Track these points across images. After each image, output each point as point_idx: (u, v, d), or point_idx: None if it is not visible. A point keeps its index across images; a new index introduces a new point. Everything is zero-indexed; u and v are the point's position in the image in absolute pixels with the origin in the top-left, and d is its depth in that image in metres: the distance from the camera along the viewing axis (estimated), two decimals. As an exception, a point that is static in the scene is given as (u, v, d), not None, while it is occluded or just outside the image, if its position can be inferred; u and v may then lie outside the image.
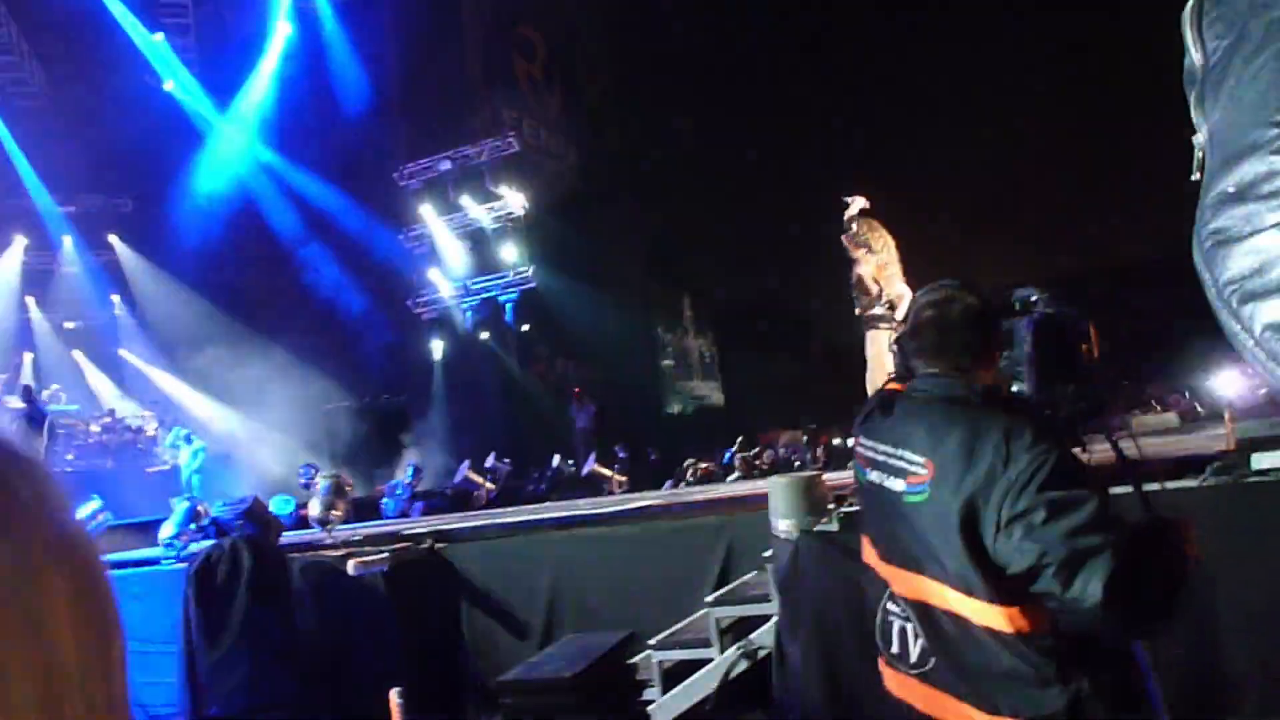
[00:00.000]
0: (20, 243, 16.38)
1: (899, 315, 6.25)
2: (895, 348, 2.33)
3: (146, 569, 7.27)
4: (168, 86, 17.35)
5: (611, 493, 11.35)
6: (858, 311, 6.37)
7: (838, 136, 18.43)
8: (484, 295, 19.62)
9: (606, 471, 11.73)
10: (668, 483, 13.39)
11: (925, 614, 2.06)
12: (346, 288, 18.70)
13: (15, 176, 15.76)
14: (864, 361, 6.28)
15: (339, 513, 7.44)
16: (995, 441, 1.93)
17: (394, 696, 5.06)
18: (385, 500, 12.47)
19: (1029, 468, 1.90)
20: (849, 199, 6.55)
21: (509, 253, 19.43)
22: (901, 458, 2.09)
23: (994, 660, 1.93)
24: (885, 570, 2.17)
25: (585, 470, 11.90)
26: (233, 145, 17.99)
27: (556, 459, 16.01)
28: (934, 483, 2.00)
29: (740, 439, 13.85)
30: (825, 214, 7.15)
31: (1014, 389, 2.29)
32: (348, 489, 7.70)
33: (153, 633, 6.66)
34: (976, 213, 18.67)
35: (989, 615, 1.95)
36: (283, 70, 18.25)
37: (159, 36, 17.26)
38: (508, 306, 19.39)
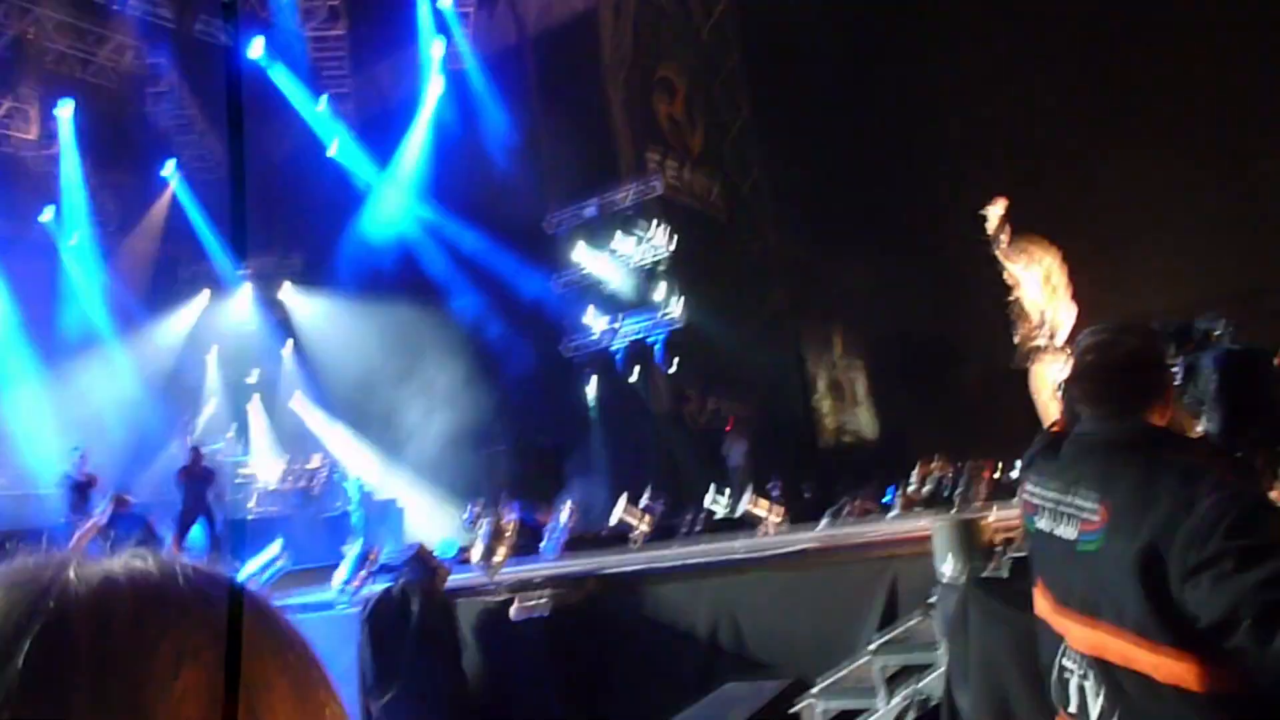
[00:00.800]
0: (203, 298, 17.57)
1: (1059, 342, 5.98)
2: (1060, 392, 2.25)
3: (322, 613, 7.66)
4: (331, 151, 18.50)
5: (767, 532, 11.20)
6: (1016, 340, 6.12)
7: (990, 158, 17.87)
8: (633, 336, 19.85)
9: (761, 511, 11.59)
10: (824, 518, 13.14)
11: (1105, 670, 1.95)
12: (501, 333, 19.30)
13: (199, 244, 17.07)
14: (1022, 390, 6.01)
15: (499, 557, 7.66)
16: (1174, 485, 1.82)
17: (556, 741, 5.18)
18: (544, 543, 12.69)
19: (1214, 511, 1.78)
20: (987, 209, 6.28)
21: (656, 292, 19.64)
22: (1072, 504, 2.00)
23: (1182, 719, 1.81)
24: (1060, 623, 2.07)
25: (740, 510, 11.80)
26: (392, 201, 18.98)
27: (710, 497, 15.97)
28: (1109, 529, 1.90)
29: (908, 476, 13.47)
30: (978, 236, 6.93)
31: (1200, 428, 2.17)
32: (508, 531, 7.90)
33: (330, 673, 7.01)
34: (1144, 224, 17.70)
35: (1176, 672, 1.83)
36: (436, 127, 19.18)
37: (322, 103, 18.51)
38: (656, 346, 19.55)
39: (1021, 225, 6.37)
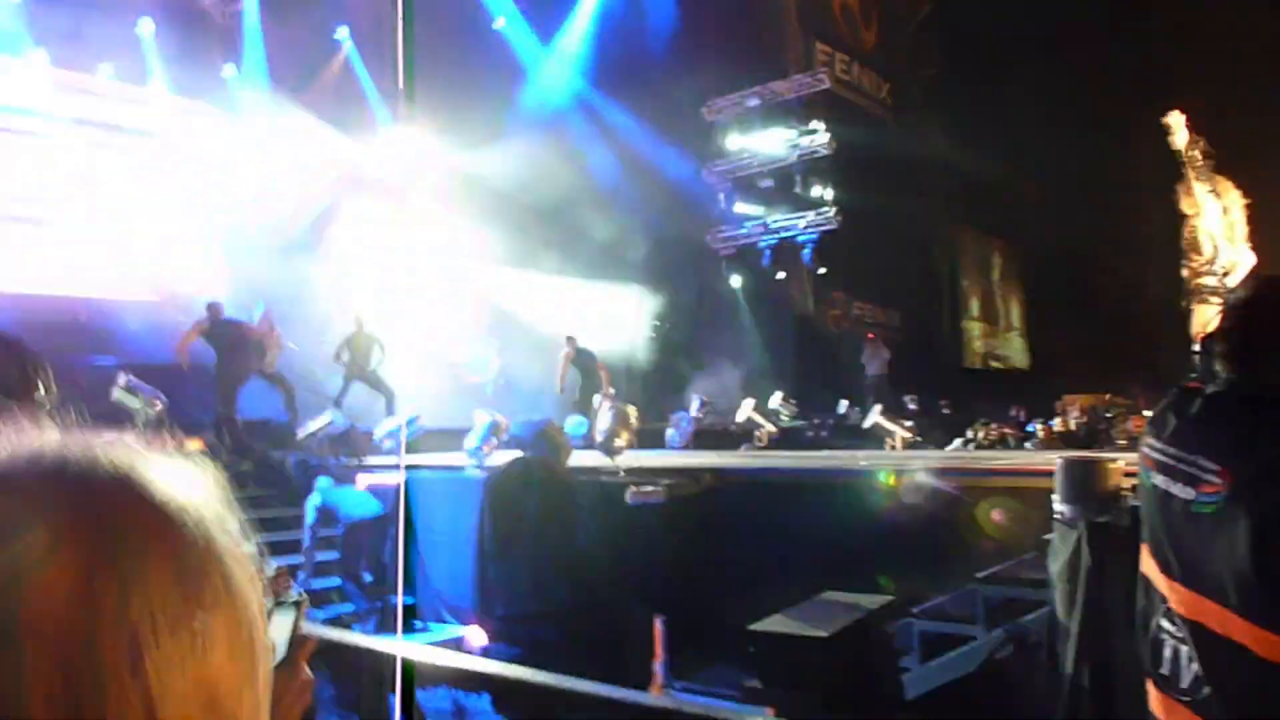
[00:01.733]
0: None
1: (1230, 284, 5.54)
2: (1200, 348, 2.13)
3: (452, 474, 8.11)
4: (498, 24, 18.55)
5: (894, 446, 11.10)
6: (1185, 274, 5.71)
7: (1191, 77, 16.40)
8: (784, 234, 19.55)
9: (891, 425, 11.45)
10: (955, 441, 12.92)
11: (1202, 637, 1.90)
12: (649, 220, 19.27)
13: (368, 109, 17.49)
14: (1185, 330, 5.63)
15: (624, 441, 7.86)
16: None
17: (658, 624, 5.38)
18: (670, 430, 12.95)
19: None
20: (1167, 119, 5.74)
21: (812, 191, 19.18)
22: (1195, 463, 1.91)
23: (1276, 699, 1.75)
24: (1164, 584, 2.01)
25: (869, 421, 11.70)
26: (553, 79, 19.00)
27: (844, 405, 15.88)
28: (1229, 495, 1.82)
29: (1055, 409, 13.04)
30: (1159, 160, 6.37)
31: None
32: (634, 419, 8.09)
33: (454, 532, 7.47)
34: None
35: (1273, 647, 1.76)
36: (601, 7, 18.95)
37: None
38: (806, 246, 19.21)
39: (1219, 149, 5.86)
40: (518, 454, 7.34)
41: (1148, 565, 2.10)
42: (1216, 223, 5.54)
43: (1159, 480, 2.03)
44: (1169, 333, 6.35)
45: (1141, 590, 2.12)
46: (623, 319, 17.68)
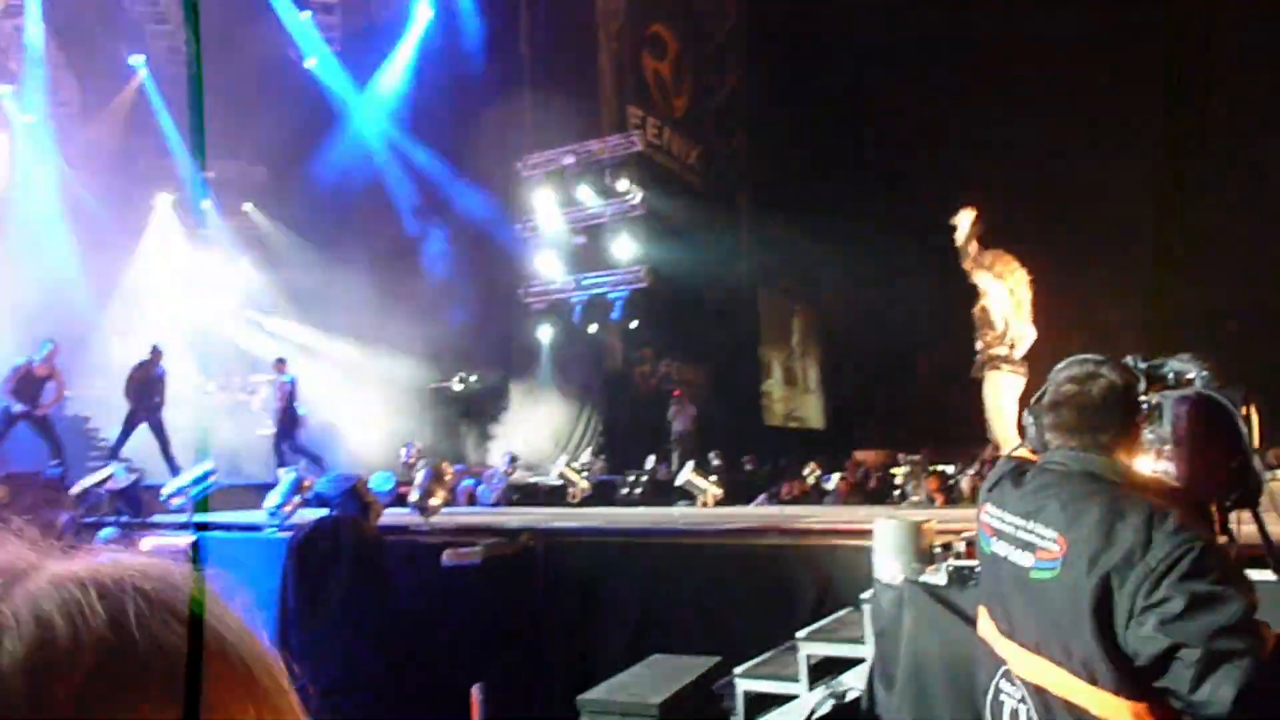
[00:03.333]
0: (166, 199, 17.07)
1: (1017, 355, 6.09)
2: (1030, 419, 2.27)
3: (250, 535, 7.59)
4: (309, 63, 18.03)
5: (705, 504, 11.31)
6: (979, 347, 6.22)
7: (981, 157, 17.99)
8: (595, 291, 19.77)
9: (701, 482, 11.68)
10: (760, 497, 13.32)
11: (1042, 699, 1.99)
12: (460, 272, 19.06)
13: (163, 140, 16.56)
14: (974, 397, 6.13)
15: (437, 500, 7.61)
16: (1136, 524, 1.85)
17: (475, 692, 5.18)
18: (482, 487, 12.71)
19: (1170, 555, 1.81)
20: (956, 219, 6.30)
21: (623, 250, 19.53)
22: (1032, 531, 2.02)
23: None
24: (1004, 647, 2.10)
25: (681, 478, 11.89)
26: (366, 124, 18.60)
27: (651, 461, 16.06)
28: (1065, 561, 1.93)
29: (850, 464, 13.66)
30: (945, 232, 6.96)
31: (1159, 468, 2.19)
32: (448, 477, 7.86)
33: (252, 598, 6.95)
34: (1107, 249, 18.04)
35: (1110, 708, 1.86)
36: (420, 54, 18.79)
37: (305, 15, 18.03)
38: (617, 303, 19.48)
39: (999, 236, 6.44)
40: (324, 512, 6.98)
41: (986, 629, 2.18)
42: (1004, 303, 6.06)
43: (998, 547, 2.12)
44: (959, 396, 6.81)
45: (980, 652, 2.21)
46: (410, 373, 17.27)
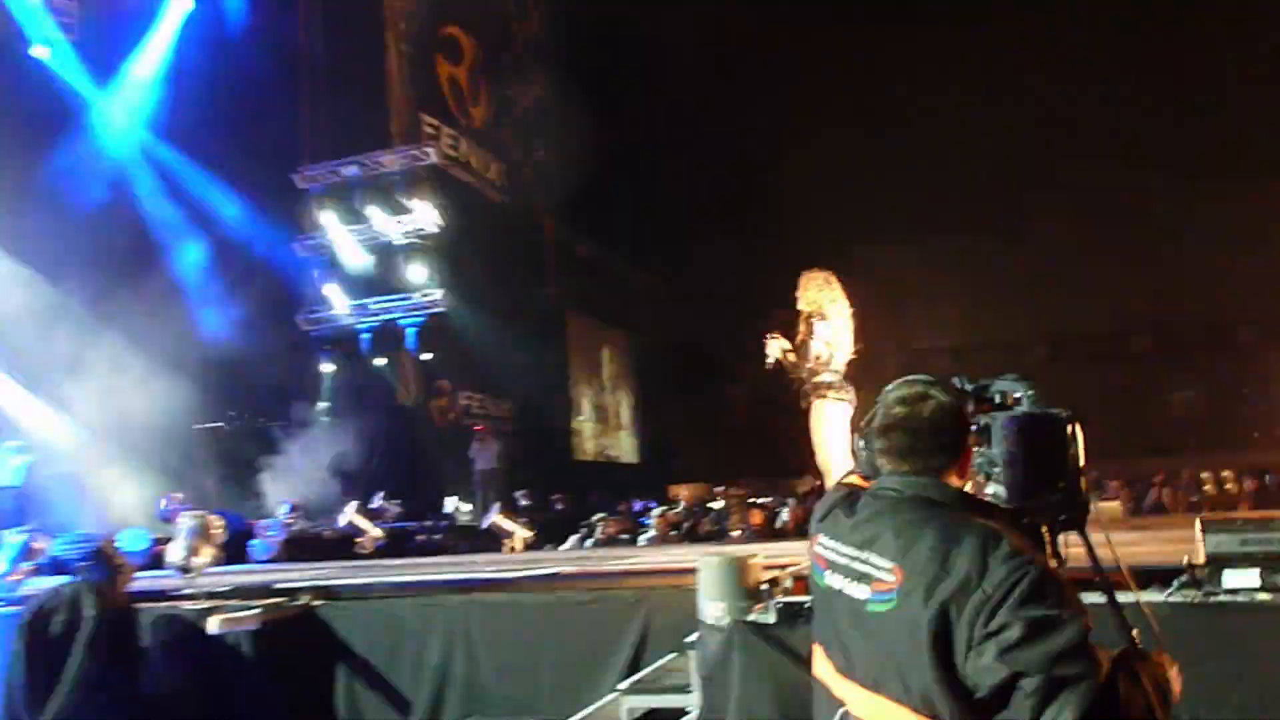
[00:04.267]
0: None
1: (838, 378, 6.41)
2: (860, 444, 2.33)
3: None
4: (39, 52, 16.73)
5: (514, 548, 11.19)
6: (804, 374, 6.48)
7: (794, 171, 18.81)
8: (385, 317, 19.38)
9: (510, 524, 11.56)
10: (571, 538, 13.33)
11: (883, 739, 2.02)
12: (228, 298, 18.16)
13: None
14: (792, 423, 6.37)
15: (203, 558, 7.15)
16: (971, 550, 1.92)
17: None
18: (255, 541, 12.11)
19: (1006, 581, 1.89)
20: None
21: (416, 273, 19.23)
22: (867, 562, 2.06)
23: None
24: (842, 687, 2.13)
25: (487, 520, 11.72)
26: (109, 126, 17.45)
27: (452, 503, 15.78)
28: (902, 592, 1.97)
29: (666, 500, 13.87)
30: (758, 255, 7.24)
31: (988, 490, 2.29)
32: (215, 531, 7.41)
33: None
34: (922, 273, 19.37)
35: None
36: (177, 48, 17.81)
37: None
38: (410, 331, 19.13)
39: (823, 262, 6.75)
40: (63, 579, 6.41)
41: (821, 669, 2.20)
42: (829, 332, 6.37)
43: (833, 580, 2.15)
44: (777, 423, 7.07)
45: (817, 693, 2.23)
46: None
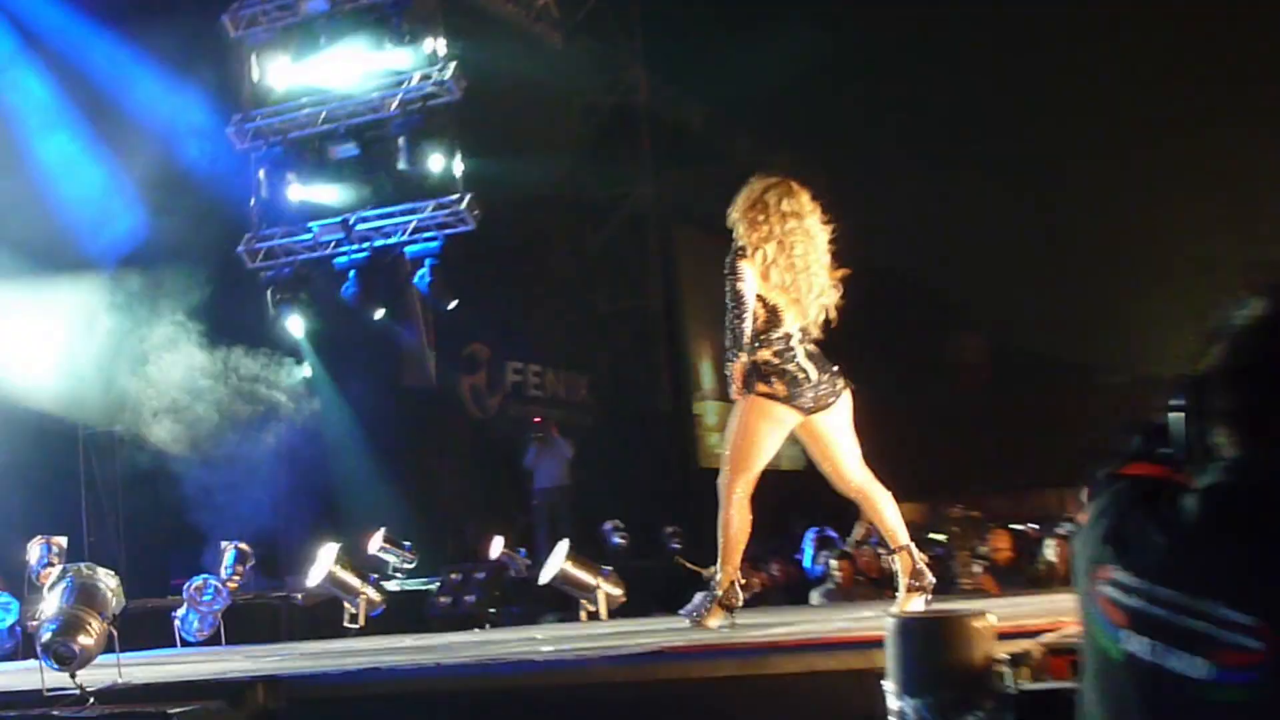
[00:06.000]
0: None
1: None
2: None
3: None
4: None
5: (591, 614, 11.27)
6: (727, 345, 7.50)
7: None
8: (380, 242, 19.78)
9: (587, 576, 11.57)
10: (700, 598, 13.36)
11: None
12: (131, 217, 18.67)
13: None
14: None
15: (92, 638, 7.37)
16: None
17: None
18: (183, 613, 12.45)
19: None
20: None
21: (429, 164, 19.54)
22: (1208, 614, 1.96)
23: None
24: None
25: (550, 572, 11.78)
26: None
27: (497, 546, 15.95)
28: (1272, 668, 1.89)
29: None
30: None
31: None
32: (112, 595, 7.63)
33: None
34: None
35: None
36: None
37: None
38: (424, 264, 19.41)
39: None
40: None
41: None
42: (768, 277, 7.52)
43: (1137, 646, 2.06)
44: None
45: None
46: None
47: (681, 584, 14.11)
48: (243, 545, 14.22)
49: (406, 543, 14.89)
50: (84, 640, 7.37)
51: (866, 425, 7.77)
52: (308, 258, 20.15)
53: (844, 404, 7.73)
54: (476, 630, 12.01)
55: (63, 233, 17.85)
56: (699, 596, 7.80)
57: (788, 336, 7.55)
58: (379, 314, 19.92)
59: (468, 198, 19.25)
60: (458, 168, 19.56)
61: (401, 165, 19.68)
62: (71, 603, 7.48)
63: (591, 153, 20.85)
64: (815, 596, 13.93)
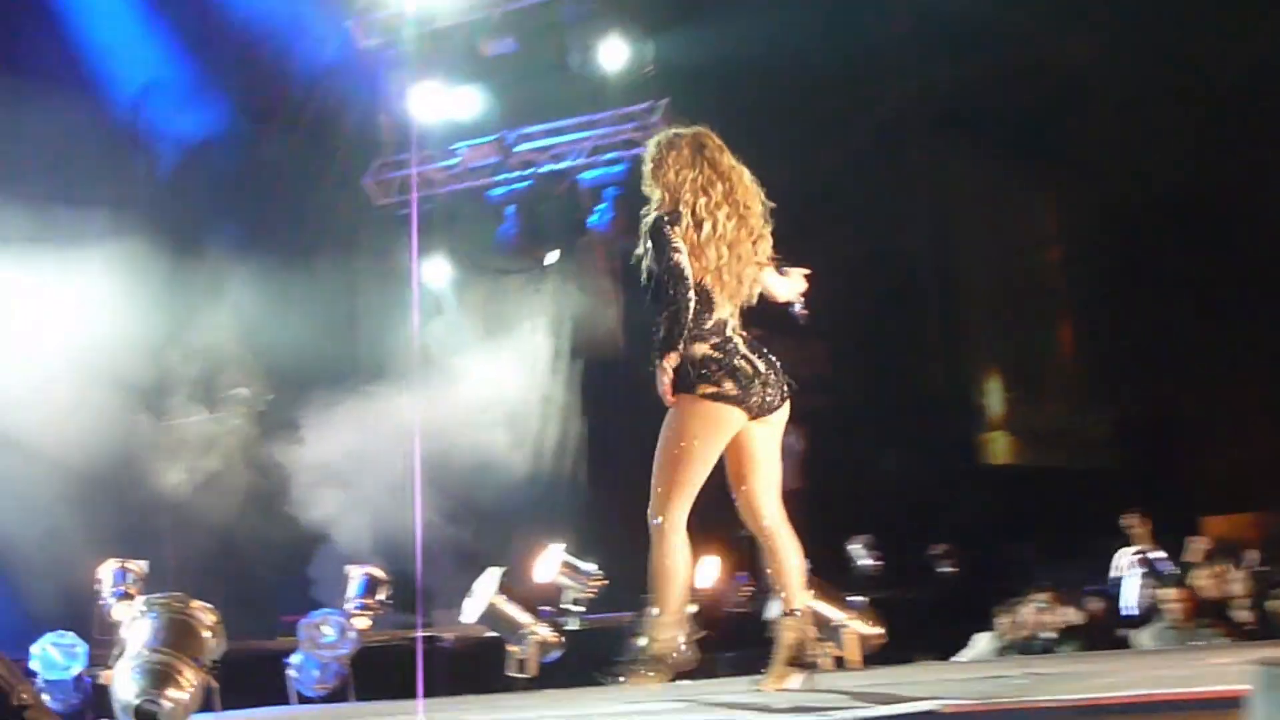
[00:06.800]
0: None
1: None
2: None
3: None
4: None
5: (851, 661, 11.03)
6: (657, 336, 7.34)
7: None
8: (549, 167, 19.99)
9: (825, 608, 11.29)
10: (984, 640, 13.16)
11: None
12: (228, 144, 18.90)
13: None
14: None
15: (185, 693, 7.28)
16: None
17: None
18: (299, 660, 12.43)
19: None
20: None
21: (613, 61, 19.51)
22: None
23: None
24: None
25: (474, 613, 11.67)
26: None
27: (713, 571, 15.75)
28: None
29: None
30: None
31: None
32: (210, 635, 7.51)
33: None
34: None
35: None
36: None
37: None
38: (608, 192, 19.33)
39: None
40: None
41: None
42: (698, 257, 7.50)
43: None
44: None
45: None
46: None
47: (957, 616, 13.84)
48: (375, 570, 14.16)
49: (590, 565, 14.74)
50: (175, 694, 7.36)
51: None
52: (453, 189, 20.24)
53: (783, 414, 7.65)
54: (679, 682, 11.73)
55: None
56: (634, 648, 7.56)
57: (722, 324, 7.48)
58: (548, 260, 19.90)
59: (662, 104, 19.19)
60: (648, 67, 19.42)
61: (575, 65, 19.58)
62: (158, 645, 7.40)
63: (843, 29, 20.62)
64: (1143, 636, 13.71)
